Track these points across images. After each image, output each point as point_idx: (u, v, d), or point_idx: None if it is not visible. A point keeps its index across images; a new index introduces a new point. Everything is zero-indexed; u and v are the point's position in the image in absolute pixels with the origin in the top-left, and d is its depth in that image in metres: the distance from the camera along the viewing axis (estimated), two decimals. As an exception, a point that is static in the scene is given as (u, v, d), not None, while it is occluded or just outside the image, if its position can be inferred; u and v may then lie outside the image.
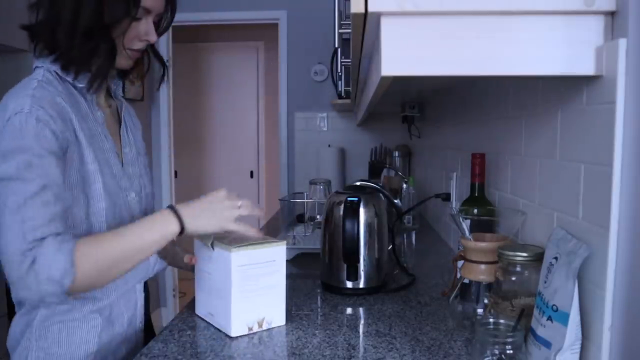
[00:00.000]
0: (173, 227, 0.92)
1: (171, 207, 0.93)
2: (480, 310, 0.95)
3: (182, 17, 3.72)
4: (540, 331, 0.72)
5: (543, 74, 0.65)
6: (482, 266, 0.94)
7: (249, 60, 5.02)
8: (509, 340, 0.70)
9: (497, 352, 0.70)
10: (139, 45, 0.99)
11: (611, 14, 0.64)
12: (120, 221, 0.98)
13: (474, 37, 0.63)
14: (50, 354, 0.95)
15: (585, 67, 0.65)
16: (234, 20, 3.69)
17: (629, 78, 0.62)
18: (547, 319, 0.70)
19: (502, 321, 0.74)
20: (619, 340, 0.65)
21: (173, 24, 1.05)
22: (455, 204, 1.52)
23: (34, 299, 0.84)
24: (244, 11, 3.60)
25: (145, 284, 1.13)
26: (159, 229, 0.91)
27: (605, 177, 0.66)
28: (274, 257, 1.01)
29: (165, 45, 3.64)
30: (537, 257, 0.79)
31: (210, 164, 5.13)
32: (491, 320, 0.75)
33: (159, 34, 1.01)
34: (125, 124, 1.11)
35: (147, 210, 1.11)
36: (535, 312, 0.74)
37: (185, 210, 0.93)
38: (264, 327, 1.01)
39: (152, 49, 1.06)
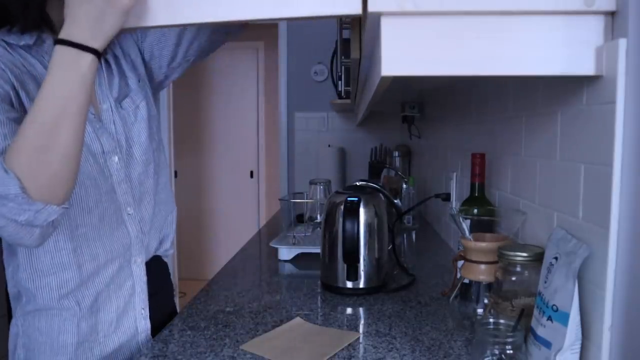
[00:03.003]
0: (84, 58, 0.73)
1: (59, 41, 0.73)
2: (480, 310, 0.95)
3: (182, 17, 3.73)
4: (540, 331, 0.72)
5: (543, 74, 0.65)
6: (482, 266, 0.94)
7: (249, 60, 5.02)
8: (509, 340, 0.70)
9: (497, 352, 0.70)
10: None
11: (611, 14, 0.64)
12: (94, 189, 0.92)
13: (474, 37, 0.63)
14: (32, 340, 0.96)
15: (585, 67, 0.65)
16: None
17: (629, 78, 0.62)
18: (547, 319, 0.70)
19: (502, 321, 0.74)
20: (619, 340, 0.65)
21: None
22: (455, 204, 1.52)
23: (10, 231, 0.75)
24: (244, 11, 3.59)
25: (149, 266, 1.05)
26: (69, 68, 0.73)
27: (605, 177, 0.66)
28: None
29: (165, 45, 3.61)
30: (537, 257, 0.79)
31: (210, 164, 5.12)
32: (491, 320, 0.75)
33: None
34: (101, 70, 0.98)
35: (134, 178, 1.01)
36: (535, 312, 0.74)
37: (74, 32, 0.72)
38: None
39: None
